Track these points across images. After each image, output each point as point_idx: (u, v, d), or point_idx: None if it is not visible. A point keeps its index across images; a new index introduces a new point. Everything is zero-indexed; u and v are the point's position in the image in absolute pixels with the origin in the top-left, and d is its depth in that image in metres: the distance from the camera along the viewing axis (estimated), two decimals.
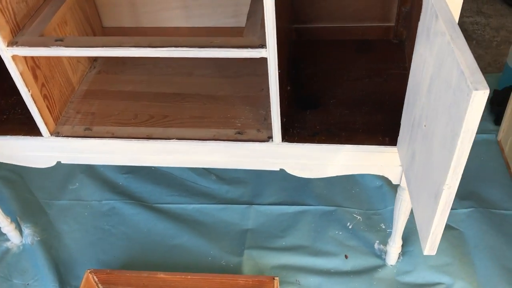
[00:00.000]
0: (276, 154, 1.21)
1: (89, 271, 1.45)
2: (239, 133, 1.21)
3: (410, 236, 1.56)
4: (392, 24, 1.43)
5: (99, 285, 1.49)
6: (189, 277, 1.42)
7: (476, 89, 0.66)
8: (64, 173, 1.87)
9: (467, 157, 0.75)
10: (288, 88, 1.31)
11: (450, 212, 1.59)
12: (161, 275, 1.43)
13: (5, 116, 1.32)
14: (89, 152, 1.29)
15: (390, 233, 1.46)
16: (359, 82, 1.32)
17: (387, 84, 1.30)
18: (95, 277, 1.46)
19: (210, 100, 1.32)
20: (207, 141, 1.21)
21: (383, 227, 1.61)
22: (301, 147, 1.18)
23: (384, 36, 1.45)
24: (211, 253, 1.59)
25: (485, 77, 0.69)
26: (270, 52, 1.00)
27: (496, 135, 1.83)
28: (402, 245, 1.54)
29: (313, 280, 1.49)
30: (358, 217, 1.65)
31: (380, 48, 1.43)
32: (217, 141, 1.20)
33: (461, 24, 2.40)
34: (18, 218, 1.72)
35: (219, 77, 1.40)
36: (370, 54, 1.41)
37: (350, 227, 1.62)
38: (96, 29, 1.49)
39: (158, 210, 1.73)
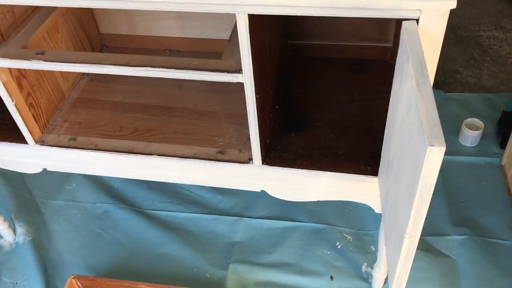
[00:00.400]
0: (257, 176, 1.19)
1: (72, 276, 1.46)
2: (220, 152, 1.20)
3: None
4: (390, 44, 1.38)
5: None
6: None
7: (432, 145, 0.63)
8: (63, 173, 1.89)
9: (427, 208, 0.72)
10: (276, 107, 1.29)
11: (443, 238, 1.55)
12: (143, 285, 1.43)
13: None
14: (72, 162, 1.29)
15: None
16: (349, 105, 1.28)
17: (377, 109, 1.27)
18: (78, 282, 1.47)
19: (196, 115, 1.31)
20: (188, 159, 1.20)
21: (373, 249, 1.58)
22: (281, 171, 1.16)
23: (381, 56, 1.40)
24: (197, 265, 1.58)
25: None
26: (246, 78, 0.98)
27: (501, 159, 1.77)
28: None
29: None
30: (348, 237, 1.62)
31: (376, 68, 1.39)
32: (198, 159, 1.19)
33: (477, 38, 2.33)
34: (13, 217, 1.75)
35: (209, 91, 1.38)
36: (365, 74, 1.37)
37: (339, 246, 1.59)
38: (92, 35, 1.49)
39: (149, 216, 1.73)
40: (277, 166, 1.16)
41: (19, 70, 1.17)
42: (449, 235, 1.58)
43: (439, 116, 0.65)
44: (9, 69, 1.13)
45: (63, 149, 1.26)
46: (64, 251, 1.66)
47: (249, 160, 1.16)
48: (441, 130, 0.65)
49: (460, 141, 1.86)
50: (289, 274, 1.52)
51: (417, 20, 0.82)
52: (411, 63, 0.75)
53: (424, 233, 1.59)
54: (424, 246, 1.56)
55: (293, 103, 1.31)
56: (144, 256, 1.62)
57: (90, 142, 1.26)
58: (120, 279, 1.46)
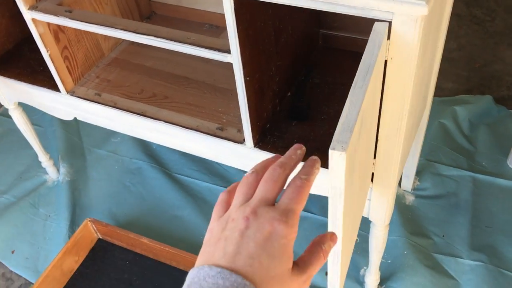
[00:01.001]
0: (249, 157, 1.21)
1: (89, 219, 1.60)
2: (219, 129, 1.24)
3: (397, 272, 1.47)
4: None
5: (98, 233, 1.64)
6: (166, 249, 1.50)
7: (333, 148, 0.62)
8: None
9: (341, 215, 0.70)
10: (288, 94, 1.29)
11: (455, 260, 1.47)
12: (145, 240, 1.54)
13: (41, 68, 1.48)
14: (96, 115, 1.40)
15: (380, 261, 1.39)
16: None
17: None
18: (93, 226, 1.61)
19: (211, 90, 1.35)
20: (190, 130, 1.25)
21: None
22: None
23: None
24: (203, 233, 1.65)
25: None
26: (234, 59, 1.00)
27: None
28: (386, 279, 1.47)
29: None
30: (356, 238, 1.58)
31: None
32: (198, 132, 1.24)
33: None
34: (59, 157, 1.93)
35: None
36: None
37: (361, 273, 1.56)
38: (142, 2, 1.58)
39: (175, 179, 1.83)
40: (267, 151, 1.17)
41: (57, 24, 1.29)
42: (462, 257, 1.49)
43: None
44: (47, 22, 1.25)
45: (88, 102, 1.37)
46: (94, 196, 1.82)
47: (243, 141, 1.19)
48: (351, 136, 0.63)
49: (508, 163, 1.72)
50: None
51: (390, 23, 0.79)
52: (360, 65, 0.73)
53: (436, 250, 1.52)
54: (431, 263, 1.49)
55: (306, 92, 1.30)
56: (160, 215, 1.73)
57: (111, 99, 1.36)
58: (130, 231, 1.58)
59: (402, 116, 0.90)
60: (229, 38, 0.97)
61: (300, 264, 0.46)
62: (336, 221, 0.72)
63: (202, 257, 0.45)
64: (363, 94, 0.69)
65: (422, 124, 1.45)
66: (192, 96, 1.35)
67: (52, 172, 1.88)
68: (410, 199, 1.66)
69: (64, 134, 2.01)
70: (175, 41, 1.06)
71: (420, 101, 1.18)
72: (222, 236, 0.45)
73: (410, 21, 0.77)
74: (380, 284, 1.46)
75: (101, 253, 1.62)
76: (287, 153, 0.50)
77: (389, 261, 1.51)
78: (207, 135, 1.23)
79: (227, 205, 0.49)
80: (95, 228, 1.62)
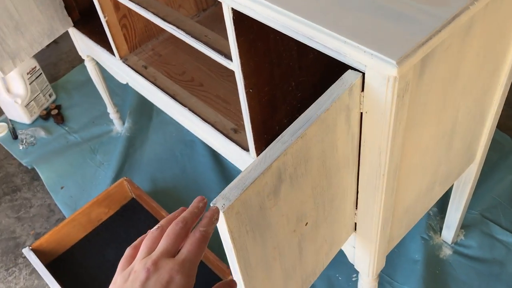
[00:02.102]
0: None
1: (125, 178, 1.70)
2: (234, 130, 1.21)
3: None
4: None
5: (131, 192, 1.73)
6: None
7: (214, 203, 0.57)
8: None
9: (238, 269, 0.65)
10: (299, 94, 1.21)
11: None
12: (163, 213, 1.59)
13: None
14: (141, 86, 1.46)
15: None
16: None
17: None
18: (128, 185, 1.71)
19: None
20: (207, 123, 1.24)
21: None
22: None
23: None
24: None
25: None
26: (235, 67, 0.96)
27: None
28: None
29: None
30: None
31: None
32: (214, 128, 1.23)
33: None
34: (128, 112, 2.06)
35: None
36: None
37: (353, 279, 1.47)
38: None
39: (220, 162, 1.84)
40: None
41: None
42: None
43: None
44: None
45: (134, 72, 1.42)
46: (145, 157, 1.91)
47: (248, 149, 1.15)
48: (241, 195, 0.57)
49: None
50: None
51: (364, 75, 0.69)
52: (301, 116, 0.66)
53: None
54: None
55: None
56: (193, 191, 1.77)
57: (154, 75, 1.39)
58: (159, 199, 1.64)
59: (379, 174, 0.80)
60: (231, 48, 0.92)
61: None
62: (235, 274, 0.67)
63: None
64: (281, 151, 0.62)
65: (469, 177, 1.27)
66: (224, 89, 1.33)
67: (118, 124, 2.01)
68: (446, 252, 1.49)
69: (138, 94, 2.12)
70: (191, 36, 1.05)
71: (449, 154, 1.04)
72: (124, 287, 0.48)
73: (381, 78, 0.67)
74: None
75: (130, 212, 1.72)
76: (190, 207, 0.54)
77: None
78: (220, 133, 1.22)
79: (132, 259, 0.52)
80: (130, 188, 1.71)
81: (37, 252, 1.54)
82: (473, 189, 1.32)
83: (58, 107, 2.16)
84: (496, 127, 1.14)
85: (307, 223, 0.78)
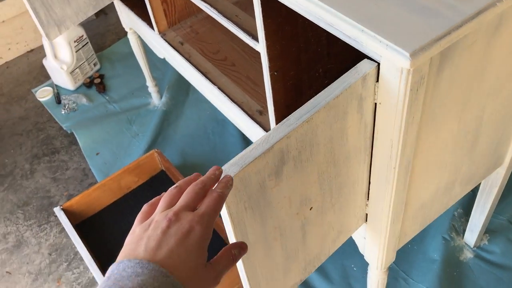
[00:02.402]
0: None
1: (155, 150, 1.75)
2: (259, 112, 1.22)
3: None
4: None
5: (161, 164, 1.78)
6: None
7: None
8: None
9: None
10: (326, 82, 1.21)
11: None
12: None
13: None
14: (176, 62, 1.49)
15: None
16: None
17: None
18: (158, 157, 1.76)
19: None
20: (234, 104, 1.26)
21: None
22: None
23: None
24: None
25: None
26: (261, 49, 0.97)
27: None
28: None
29: None
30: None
31: None
32: (240, 108, 1.25)
33: None
34: (167, 87, 2.10)
35: None
36: None
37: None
38: None
39: (247, 141, 1.86)
40: None
41: None
42: None
43: None
44: None
45: (171, 47, 1.46)
46: (178, 132, 1.96)
47: None
48: (237, 171, 0.59)
49: None
50: None
51: (379, 65, 0.69)
52: (311, 100, 0.66)
53: None
54: None
55: None
56: None
57: (189, 51, 1.42)
58: (185, 174, 1.69)
59: (390, 167, 0.80)
60: (257, 28, 0.93)
61: (212, 263, 0.52)
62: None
63: (122, 254, 0.50)
64: (284, 133, 0.63)
65: (496, 180, 1.24)
66: (255, 71, 1.34)
67: (156, 98, 2.06)
68: (467, 255, 1.46)
69: None
70: (222, 14, 1.06)
71: (473, 154, 1.01)
72: (145, 236, 0.50)
73: (394, 69, 0.66)
74: None
75: (158, 183, 1.77)
76: (207, 173, 0.57)
77: None
78: (245, 114, 1.23)
79: (149, 215, 0.55)
80: (159, 160, 1.76)
81: (67, 212, 1.62)
82: (500, 193, 1.29)
83: (101, 76, 2.23)
84: None
85: (311, 207, 0.79)
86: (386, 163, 0.80)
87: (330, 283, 1.45)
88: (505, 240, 1.47)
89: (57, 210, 1.60)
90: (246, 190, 0.63)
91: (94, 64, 2.26)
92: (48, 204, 1.80)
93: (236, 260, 0.55)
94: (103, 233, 1.66)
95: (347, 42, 0.72)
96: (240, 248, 0.56)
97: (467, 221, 1.46)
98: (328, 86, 0.69)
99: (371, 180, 0.88)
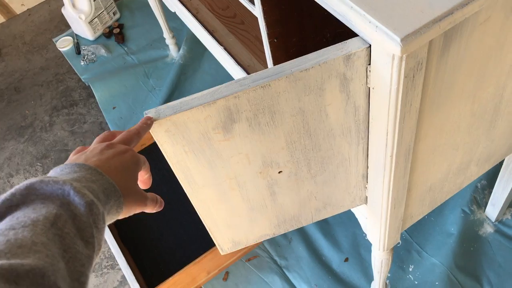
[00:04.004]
0: None
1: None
2: None
3: None
4: None
5: None
6: None
7: (146, 113, 0.54)
8: None
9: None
10: None
11: None
12: None
13: None
14: (185, 17, 1.41)
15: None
16: None
17: None
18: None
19: None
20: (240, 66, 1.19)
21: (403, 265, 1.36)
22: None
23: None
24: None
25: None
26: (257, 13, 0.88)
27: None
28: None
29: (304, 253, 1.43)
30: (399, 242, 1.41)
31: None
32: (245, 72, 1.18)
33: None
34: (185, 38, 2.03)
35: None
36: None
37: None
38: None
39: None
40: None
41: None
42: None
43: None
44: None
45: (179, 1, 1.37)
46: (195, 87, 1.91)
47: None
48: (169, 115, 0.54)
49: None
50: (316, 229, 1.46)
51: (370, 47, 0.60)
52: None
53: None
54: None
55: None
56: None
57: (197, 7, 1.34)
58: None
59: (386, 155, 0.72)
60: None
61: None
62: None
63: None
64: (232, 92, 0.61)
65: None
66: None
67: (173, 50, 1.99)
68: (487, 230, 1.38)
69: None
70: None
71: (491, 133, 0.92)
72: (83, 155, 0.53)
73: (385, 55, 0.58)
74: None
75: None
76: (140, 121, 0.61)
77: (416, 282, 1.33)
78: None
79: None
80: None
81: None
82: None
83: (121, 26, 2.17)
84: None
85: (280, 171, 0.77)
86: (383, 151, 0.73)
87: (339, 251, 1.41)
88: None
89: None
90: (183, 135, 0.64)
91: (114, 13, 2.20)
92: (65, 158, 1.82)
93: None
94: None
95: (339, 19, 0.63)
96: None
97: (491, 193, 1.37)
98: (303, 56, 0.62)
99: (369, 165, 0.81)
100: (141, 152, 1.73)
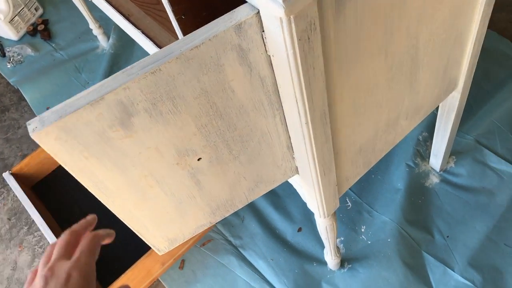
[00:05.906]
0: None
1: None
2: None
3: (370, 257, 1.30)
4: None
5: None
6: None
7: (29, 124, 0.50)
8: None
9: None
10: None
11: (444, 269, 1.26)
12: None
13: None
14: (100, 3, 1.34)
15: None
16: None
17: None
18: None
19: None
20: (159, 48, 1.14)
21: (362, 229, 1.37)
22: None
23: None
24: None
25: None
26: None
27: None
28: (356, 260, 1.32)
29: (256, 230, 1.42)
30: (348, 204, 1.41)
31: None
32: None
33: None
34: (113, 27, 1.95)
35: None
36: None
37: (348, 207, 1.40)
38: None
39: None
40: None
41: None
42: (453, 270, 1.26)
43: None
44: None
45: None
46: None
47: None
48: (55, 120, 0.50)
49: None
50: (268, 204, 1.45)
51: (259, 13, 0.57)
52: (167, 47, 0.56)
53: (429, 249, 1.30)
54: (413, 263, 1.29)
55: None
56: None
57: None
58: None
59: (301, 123, 0.70)
60: None
61: None
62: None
63: None
64: (120, 83, 0.56)
65: (452, 104, 1.14)
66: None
67: (103, 40, 1.92)
68: (433, 180, 1.39)
69: None
70: None
71: (414, 86, 0.91)
72: None
73: (273, 18, 0.54)
74: (347, 262, 1.32)
75: None
76: (80, 221, 0.61)
77: (369, 242, 1.34)
78: None
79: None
80: None
81: (20, 176, 1.55)
82: (459, 117, 1.19)
83: (45, 22, 2.07)
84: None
85: (200, 158, 0.73)
86: (297, 119, 0.70)
87: (292, 222, 1.41)
88: (472, 160, 1.40)
89: (6, 176, 1.53)
90: (77, 140, 0.59)
91: (36, 9, 2.09)
92: (2, 167, 1.73)
93: None
94: (61, 193, 1.60)
95: None
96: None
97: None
98: (190, 34, 0.58)
99: (290, 135, 0.79)
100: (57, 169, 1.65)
